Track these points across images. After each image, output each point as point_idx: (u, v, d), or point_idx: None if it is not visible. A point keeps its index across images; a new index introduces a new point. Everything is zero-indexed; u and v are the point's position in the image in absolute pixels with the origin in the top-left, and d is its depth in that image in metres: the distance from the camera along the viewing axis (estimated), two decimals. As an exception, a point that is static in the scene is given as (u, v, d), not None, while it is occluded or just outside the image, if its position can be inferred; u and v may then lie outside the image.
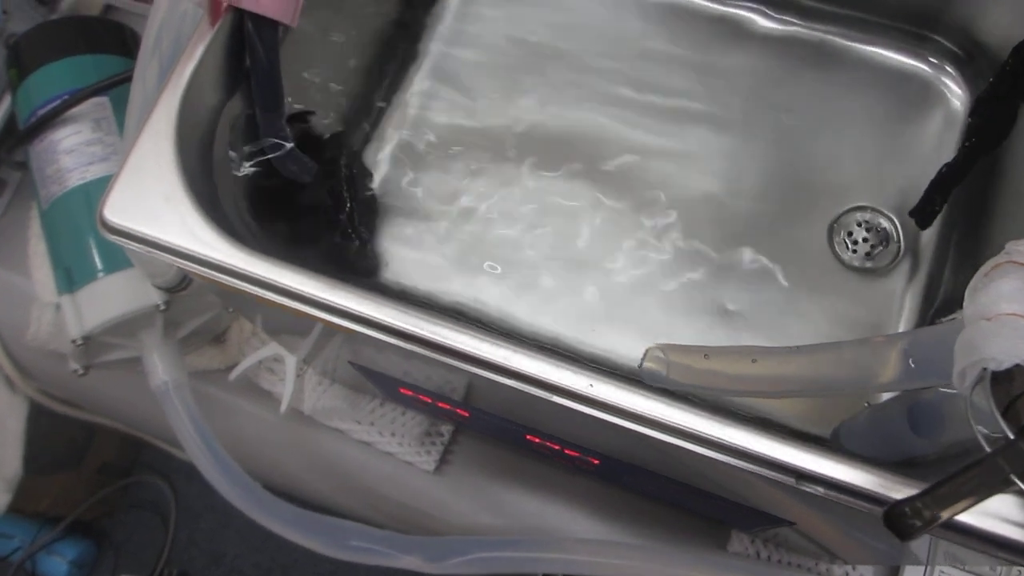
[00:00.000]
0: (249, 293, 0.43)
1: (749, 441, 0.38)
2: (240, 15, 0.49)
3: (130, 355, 0.66)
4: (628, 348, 0.60)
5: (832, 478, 0.37)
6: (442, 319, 0.41)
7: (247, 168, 0.52)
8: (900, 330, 0.61)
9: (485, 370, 0.40)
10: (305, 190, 0.57)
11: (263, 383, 0.71)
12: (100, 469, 1.44)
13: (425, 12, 0.70)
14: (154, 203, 0.44)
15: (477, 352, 0.40)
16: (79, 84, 0.66)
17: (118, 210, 0.44)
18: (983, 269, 0.45)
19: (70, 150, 0.66)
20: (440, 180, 0.66)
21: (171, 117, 0.46)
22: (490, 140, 0.67)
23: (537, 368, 0.40)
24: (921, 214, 0.59)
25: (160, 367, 0.62)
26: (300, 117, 0.56)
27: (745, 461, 0.38)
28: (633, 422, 0.39)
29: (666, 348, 0.45)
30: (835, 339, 0.61)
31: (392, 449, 0.69)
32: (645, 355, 0.44)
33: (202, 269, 0.44)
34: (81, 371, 0.66)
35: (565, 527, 0.66)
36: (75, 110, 0.66)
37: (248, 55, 0.50)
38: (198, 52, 0.48)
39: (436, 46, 0.70)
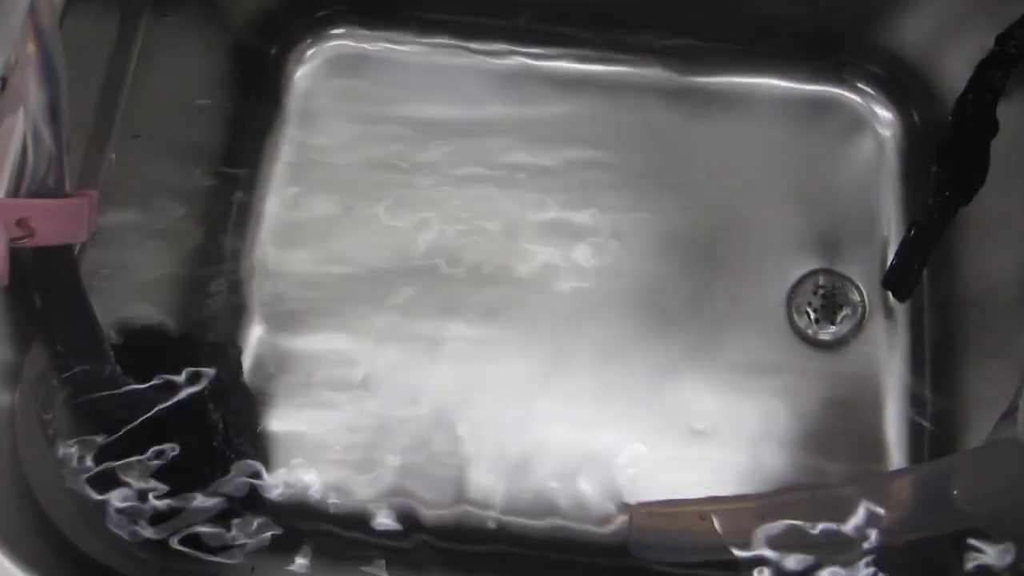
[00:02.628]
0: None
1: None
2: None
3: None
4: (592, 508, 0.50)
5: None
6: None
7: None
8: (891, 404, 0.53)
9: None
10: (165, 426, 0.44)
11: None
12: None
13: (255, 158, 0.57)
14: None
15: None
16: None
17: None
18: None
19: None
20: (326, 344, 0.53)
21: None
22: (380, 280, 0.54)
23: None
24: (898, 284, 0.51)
25: None
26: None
27: None
28: None
29: (647, 506, 0.42)
30: (829, 432, 0.53)
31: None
32: (630, 518, 0.41)
33: None
34: None
35: None
36: None
37: (36, 296, 0.35)
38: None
39: (280, 177, 0.56)
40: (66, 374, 0.38)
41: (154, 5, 0.45)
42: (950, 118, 0.48)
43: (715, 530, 0.43)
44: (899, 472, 0.50)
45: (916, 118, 0.57)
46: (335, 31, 0.58)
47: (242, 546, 0.45)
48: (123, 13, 0.42)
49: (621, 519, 0.48)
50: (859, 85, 0.58)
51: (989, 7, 0.49)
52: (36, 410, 0.38)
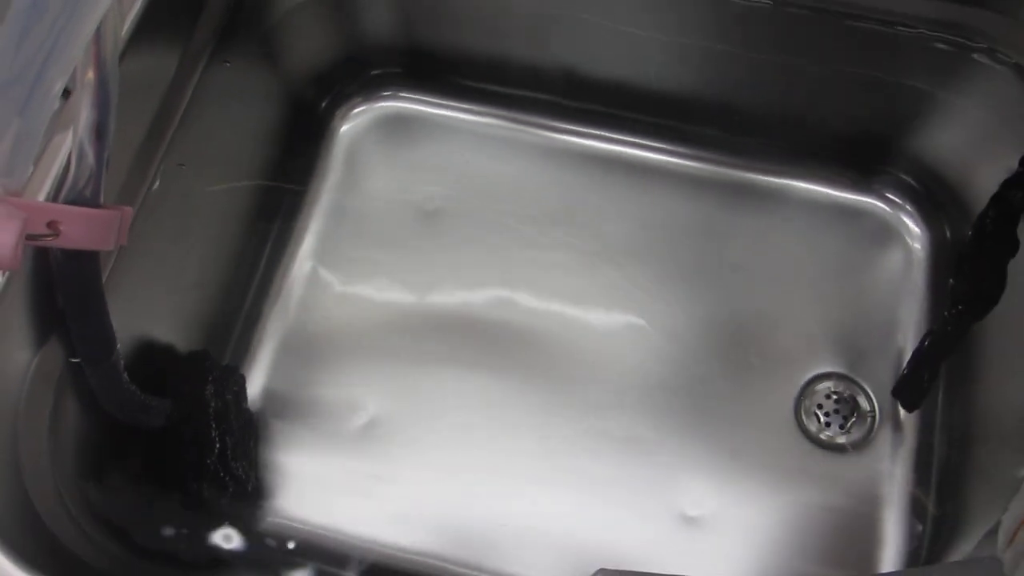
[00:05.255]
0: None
1: None
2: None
3: None
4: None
5: None
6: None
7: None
8: (890, 516, 0.52)
9: None
10: (160, 434, 0.46)
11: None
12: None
13: (304, 179, 0.60)
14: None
15: None
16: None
17: None
18: (1017, 507, 0.37)
19: None
20: (335, 385, 0.55)
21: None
22: (394, 329, 0.56)
23: None
24: (908, 394, 0.50)
25: None
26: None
27: None
28: None
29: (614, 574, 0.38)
30: (823, 536, 0.52)
31: None
32: None
33: None
34: None
35: None
36: None
37: (59, 295, 0.38)
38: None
39: (319, 220, 0.59)
40: (76, 374, 0.41)
41: (215, 50, 0.49)
42: (969, 233, 0.48)
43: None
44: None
45: (947, 233, 0.57)
46: (385, 91, 0.62)
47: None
48: (184, 52, 0.46)
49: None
50: (892, 197, 0.59)
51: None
52: (41, 405, 0.40)
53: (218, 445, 0.47)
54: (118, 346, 0.40)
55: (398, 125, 0.62)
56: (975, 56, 0.50)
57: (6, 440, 0.38)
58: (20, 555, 0.34)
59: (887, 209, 0.59)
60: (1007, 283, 0.47)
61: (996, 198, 0.46)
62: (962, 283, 0.47)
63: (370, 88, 0.62)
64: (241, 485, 0.48)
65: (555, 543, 0.51)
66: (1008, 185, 0.46)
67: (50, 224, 0.36)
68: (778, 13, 0.52)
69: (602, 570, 0.38)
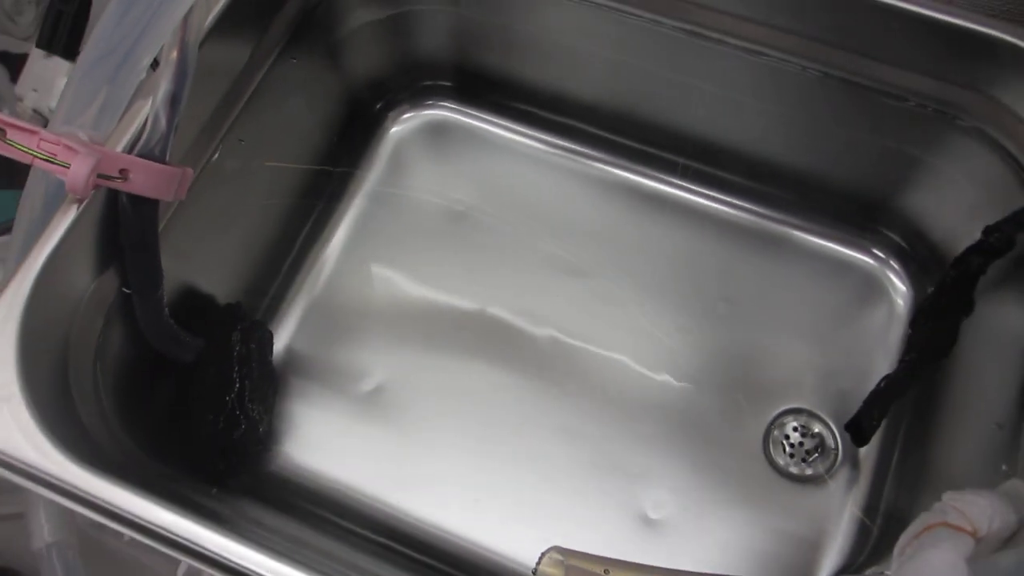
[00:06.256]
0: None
1: None
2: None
3: (14, 511, 0.60)
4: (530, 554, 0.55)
5: None
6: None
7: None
8: (834, 545, 0.55)
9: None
10: (189, 369, 0.52)
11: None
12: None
13: (350, 168, 0.67)
14: (-13, 402, 0.39)
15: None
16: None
17: (-52, 404, 0.39)
18: (914, 527, 0.41)
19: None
20: (353, 353, 0.61)
21: (17, 309, 0.41)
22: (409, 314, 0.63)
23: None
24: (857, 430, 0.54)
25: (45, 528, 0.55)
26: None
27: None
28: None
29: (566, 552, 0.41)
30: (769, 555, 0.56)
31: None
32: (542, 558, 0.40)
33: (35, 487, 0.40)
34: (-44, 523, 0.59)
35: None
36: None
37: (122, 233, 0.45)
38: (62, 228, 0.43)
39: (357, 207, 0.66)
40: (125, 303, 0.48)
41: (285, 47, 0.56)
42: (930, 290, 0.52)
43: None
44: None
45: (928, 292, 0.61)
46: (434, 101, 0.69)
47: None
48: (257, 45, 0.54)
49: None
50: (881, 254, 0.63)
51: (1010, 199, 0.54)
52: (93, 324, 0.47)
53: (237, 385, 0.53)
54: (163, 284, 0.48)
55: (443, 133, 0.69)
56: (962, 131, 0.54)
57: (61, 350, 0.45)
58: (65, 445, 0.40)
59: (876, 265, 0.63)
60: (958, 340, 0.51)
61: (958, 261, 0.51)
62: (918, 333, 0.51)
63: (420, 97, 0.69)
64: (253, 425, 0.55)
65: (515, 519, 0.56)
66: (970, 251, 0.50)
67: (121, 171, 0.43)
68: (809, 79, 0.56)
69: (554, 547, 0.42)
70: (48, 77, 0.58)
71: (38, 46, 0.66)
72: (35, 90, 0.66)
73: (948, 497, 0.40)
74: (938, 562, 0.36)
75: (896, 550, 0.40)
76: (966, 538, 0.37)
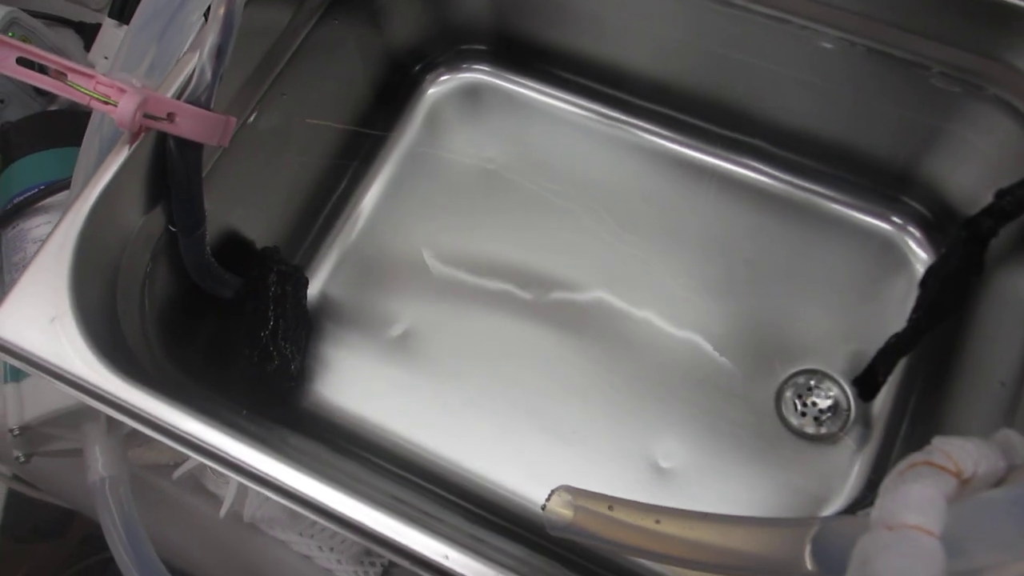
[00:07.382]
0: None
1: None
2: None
3: (72, 447, 0.65)
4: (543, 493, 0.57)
5: None
6: (329, 483, 0.40)
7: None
8: (842, 503, 0.57)
9: (368, 540, 0.40)
10: (228, 305, 0.56)
11: (208, 484, 0.69)
12: (83, 540, 1.40)
13: (387, 129, 0.70)
14: (40, 322, 0.43)
15: (360, 522, 0.40)
16: (60, 175, 0.65)
17: (6, 323, 0.43)
18: (900, 466, 0.42)
19: (38, 239, 0.65)
20: (383, 300, 0.64)
21: (72, 234, 0.45)
22: (438, 266, 0.66)
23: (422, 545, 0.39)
24: (863, 385, 0.55)
25: (100, 462, 0.60)
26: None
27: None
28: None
29: (575, 492, 0.42)
30: (776, 508, 0.57)
31: (331, 565, 0.66)
32: (551, 496, 0.41)
33: (80, 395, 0.42)
34: (23, 458, 0.64)
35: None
36: (50, 200, 0.65)
37: (168, 174, 0.49)
38: (114, 166, 0.47)
39: (392, 164, 0.69)
40: (171, 240, 0.52)
41: (328, 9, 0.60)
42: (942, 250, 0.53)
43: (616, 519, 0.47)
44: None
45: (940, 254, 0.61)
46: (472, 64, 0.72)
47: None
48: (300, 6, 0.57)
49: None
50: (902, 221, 0.64)
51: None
52: (141, 257, 0.51)
53: (271, 323, 0.57)
54: (206, 225, 0.51)
55: (479, 96, 0.71)
56: (984, 99, 0.55)
57: (110, 279, 0.49)
58: (110, 361, 0.43)
59: (896, 232, 0.64)
60: (969, 303, 0.52)
61: (969, 222, 0.51)
62: (926, 293, 0.52)
63: (458, 60, 0.71)
64: (286, 362, 0.58)
65: (530, 461, 0.59)
66: (981, 213, 0.51)
67: (169, 115, 0.47)
68: (835, 49, 0.57)
69: (563, 486, 0.44)
70: (118, 45, 0.63)
71: (110, 16, 0.71)
72: (106, 57, 0.71)
73: (937, 441, 0.41)
74: (917, 495, 0.37)
75: (881, 489, 0.41)
76: (948, 477, 0.38)
